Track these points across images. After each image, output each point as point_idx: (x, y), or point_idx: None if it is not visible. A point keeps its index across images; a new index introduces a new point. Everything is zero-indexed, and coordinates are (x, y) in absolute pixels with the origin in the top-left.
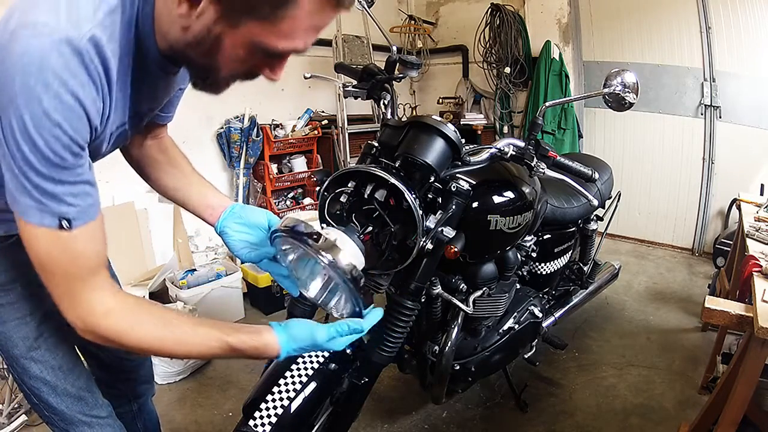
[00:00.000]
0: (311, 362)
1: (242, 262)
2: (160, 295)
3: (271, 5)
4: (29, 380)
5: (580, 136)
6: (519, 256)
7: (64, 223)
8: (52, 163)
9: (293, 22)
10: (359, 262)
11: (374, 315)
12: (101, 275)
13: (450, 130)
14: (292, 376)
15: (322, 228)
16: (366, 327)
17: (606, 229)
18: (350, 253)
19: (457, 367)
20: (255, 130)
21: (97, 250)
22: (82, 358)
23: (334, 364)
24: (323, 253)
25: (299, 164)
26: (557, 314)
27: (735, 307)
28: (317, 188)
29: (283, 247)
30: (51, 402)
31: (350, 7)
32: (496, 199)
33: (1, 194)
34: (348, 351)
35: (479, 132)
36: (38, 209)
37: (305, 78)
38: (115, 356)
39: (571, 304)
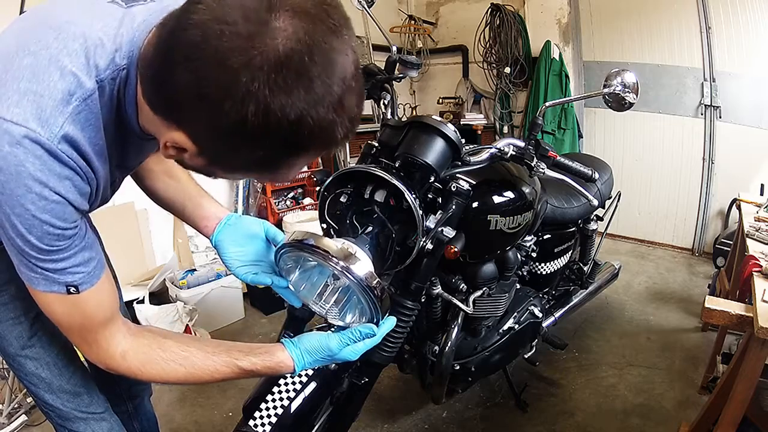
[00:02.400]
0: None
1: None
2: (160, 295)
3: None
4: (25, 377)
5: (580, 136)
6: (519, 256)
7: (72, 290)
8: (48, 251)
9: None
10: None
11: (388, 323)
12: (114, 322)
13: (450, 130)
14: (292, 376)
15: (333, 238)
16: (379, 332)
17: (606, 229)
18: (367, 263)
19: (457, 367)
20: None
21: (108, 302)
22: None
23: (334, 364)
24: (341, 263)
25: None
26: (557, 314)
27: (735, 307)
28: (317, 188)
29: (288, 264)
30: (47, 399)
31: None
32: (496, 199)
33: None
34: None
35: (479, 132)
36: (44, 280)
37: None
38: None
39: (571, 304)
